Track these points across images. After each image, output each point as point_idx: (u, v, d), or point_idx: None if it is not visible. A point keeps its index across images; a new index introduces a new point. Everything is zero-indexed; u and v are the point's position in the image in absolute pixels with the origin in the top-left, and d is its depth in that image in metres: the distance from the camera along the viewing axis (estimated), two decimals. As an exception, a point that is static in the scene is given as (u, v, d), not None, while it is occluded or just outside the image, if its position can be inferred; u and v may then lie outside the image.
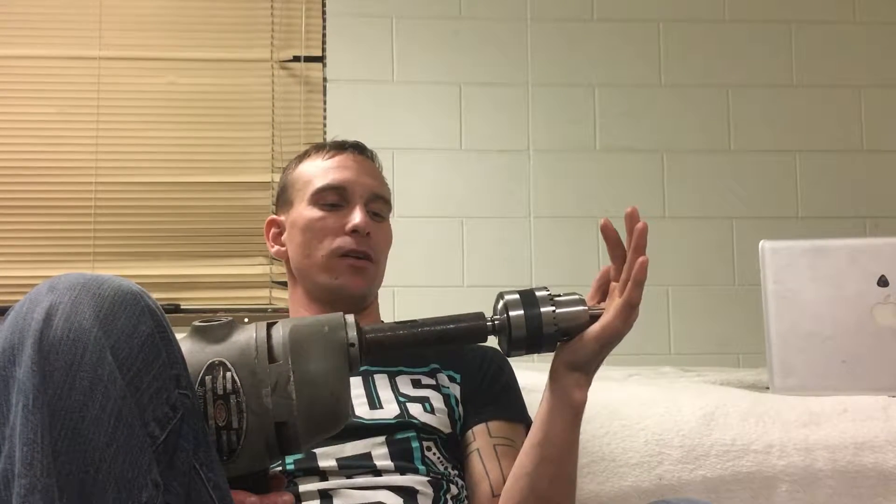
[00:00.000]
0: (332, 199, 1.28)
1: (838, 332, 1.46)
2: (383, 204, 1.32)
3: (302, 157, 1.36)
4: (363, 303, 1.30)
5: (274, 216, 1.36)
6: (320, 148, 1.35)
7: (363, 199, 1.29)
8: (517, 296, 0.96)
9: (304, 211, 1.29)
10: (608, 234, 1.02)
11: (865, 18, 2.83)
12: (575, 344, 0.98)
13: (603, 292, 1.03)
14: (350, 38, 2.72)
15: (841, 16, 2.83)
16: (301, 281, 1.31)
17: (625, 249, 1.00)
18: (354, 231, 1.25)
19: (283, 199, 1.35)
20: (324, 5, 2.74)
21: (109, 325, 0.71)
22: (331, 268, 1.26)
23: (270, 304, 2.59)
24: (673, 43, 2.78)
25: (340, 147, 1.34)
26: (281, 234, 1.34)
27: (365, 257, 1.27)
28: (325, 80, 2.71)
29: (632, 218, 0.98)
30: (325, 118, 2.69)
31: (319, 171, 1.30)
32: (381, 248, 1.30)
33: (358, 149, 1.35)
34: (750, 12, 2.81)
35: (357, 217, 1.26)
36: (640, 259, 0.96)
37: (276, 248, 1.34)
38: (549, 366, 1.04)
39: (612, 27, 2.78)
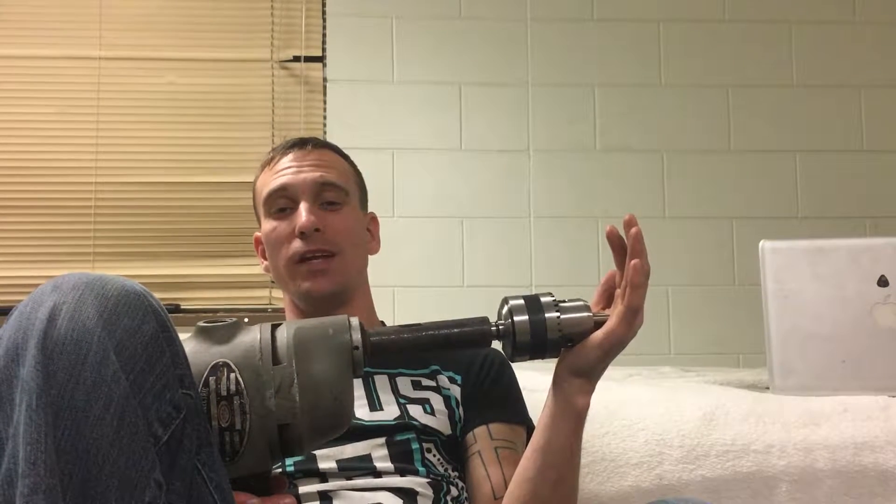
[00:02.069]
0: (281, 204, 1.26)
1: (838, 332, 1.46)
2: (336, 191, 1.27)
3: (260, 168, 1.34)
4: (341, 299, 1.26)
5: (257, 233, 1.35)
6: (269, 154, 1.33)
7: (307, 194, 1.25)
8: (522, 301, 0.96)
9: (265, 224, 1.28)
10: (612, 240, 1.01)
11: (865, 18, 2.83)
12: (578, 350, 0.98)
13: (607, 298, 1.03)
14: (350, 38, 2.72)
15: (841, 16, 2.83)
16: (283, 291, 1.31)
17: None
18: (302, 233, 1.23)
19: (256, 215, 1.35)
20: (324, 5, 2.74)
21: (113, 325, 0.71)
22: (293, 275, 1.25)
23: (270, 304, 2.59)
24: (673, 43, 2.79)
25: (284, 149, 1.31)
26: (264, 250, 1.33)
27: (322, 255, 1.24)
28: (325, 80, 2.71)
29: (628, 224, 0.98)
30: (325, 118, 2.69)
31: (267, 181, 1.29)
32: (341, 238, 1.25)
33: (299, 144, 1.30)
34: (750, 12, 2.81)
35: (300, 218, 1.23)
36: (633, 262, 0.96)
37: (265, 263, 1.33)
38: (549, 365, 1.04)
39: (612, 27, 2.78)
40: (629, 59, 2.77)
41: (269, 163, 1.31)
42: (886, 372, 1.45)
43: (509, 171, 2.70)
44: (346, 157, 1.35)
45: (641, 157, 2.73)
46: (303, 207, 1.23)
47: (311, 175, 1.26)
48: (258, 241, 1.34)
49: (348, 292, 1.28)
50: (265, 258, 1.32)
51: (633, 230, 0.97)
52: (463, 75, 2.73)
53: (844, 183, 2.75)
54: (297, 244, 1.23)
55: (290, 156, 1.29)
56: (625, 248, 0.99)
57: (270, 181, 1.28)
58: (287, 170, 1.27)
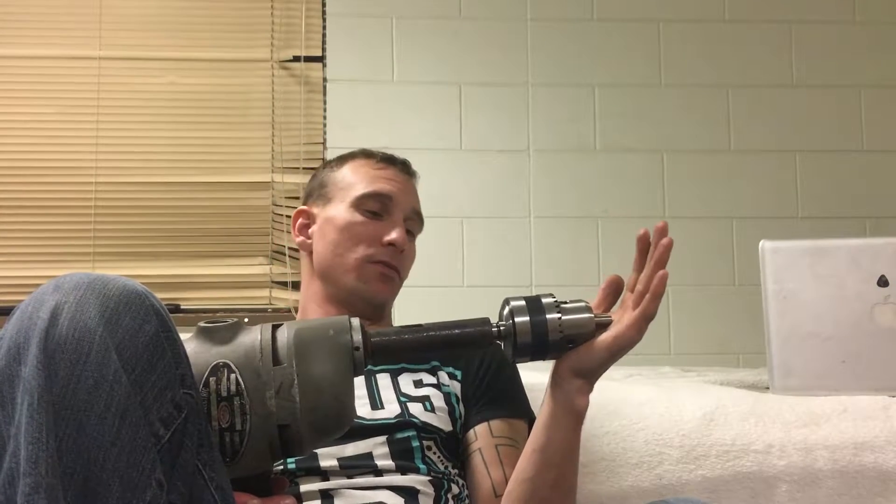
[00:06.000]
0: (375, 207, 1.31)
1: (838, 332, 1.46)
2: (418, 222, 1.37)
3: (347, 158, 1.38)
4: (381, 311, 1.32)
5: (305, 207, 1.37)
6: (369, 155, 1.37)
7: (404, 213, 1.32)
8: (523, 302, 0.96)
9: (344, 212, 1.30)
10: (642, 244, 1.02)
11: (865, 18, 2.83)
12: (583, 351, 0.98)
13: (609, 301, 1.03)
14: (350, 38, 2.72)
15: (841, 16, 2.83)
16: (322, 278, 1.32)
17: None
18: (391, 244, 1.28)
19: (320, 194, 1.36)
20: (324, 5, 2.74)
21: (114, 325, 0.71)
22: (361, 271, 1.29)
23: (270, 304, 2.59)
24: (673, 43, 2.79)
25: (391, 160, 1.37)
26: (309, 226, 1.35)
27: (394, 269, 1.31)
28: (325, 80, 2.71)
29: (660, 232, 0.99)
30: (325, 118, 2.69)
31: (367, 178, 1.32)
32: (408, 265, 1.35)
33: (405, 166, 1.38)
34: (750, 12, 2.81)
35: (396, 232, 1.29)
36: (661, 273, 0.97)
37: (302, 238, 1.35)
38: (548, 364, 1.04)
39: (612, 27, 2.78)
40: (629, 59, 2.77)
41: (369, 159, 1.36)
42: (886, 372, 1.45)
43: (509, 171, 2.70)
44: None
45: (641, 157, 2.73)
46: (400, 224, 1.31)
47: (412, 200, 1.36)
48: (303, 214, 1.36)
49: (386, 308, 1.35)
50: (304, 235, 1.35)
51: (667, 240, 0.98)
52: (463, 75, 2.73)
53: (844, 183, 2.75)
54: (380, 251, 1.29)
55: (398, 171, 1.36)
56: (648, 252, 1.00)
57: (376, 180, 1.32)
58: (395, 181, 1.34)
